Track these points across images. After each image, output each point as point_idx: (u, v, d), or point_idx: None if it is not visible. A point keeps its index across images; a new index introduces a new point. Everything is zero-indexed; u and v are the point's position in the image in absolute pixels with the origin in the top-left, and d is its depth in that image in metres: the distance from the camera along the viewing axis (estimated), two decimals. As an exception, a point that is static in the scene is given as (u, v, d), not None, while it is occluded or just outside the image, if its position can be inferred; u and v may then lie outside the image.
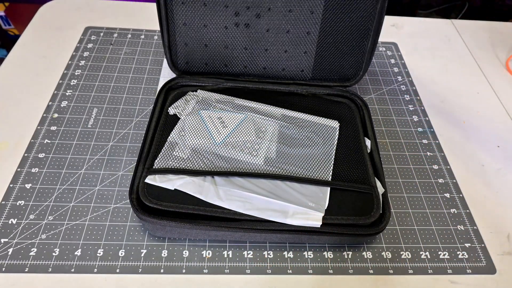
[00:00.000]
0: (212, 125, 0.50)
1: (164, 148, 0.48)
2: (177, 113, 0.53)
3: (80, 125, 0.57)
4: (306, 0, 0.52)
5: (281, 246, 0.46)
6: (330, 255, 0.46)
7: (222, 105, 0.54)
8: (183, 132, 0.50)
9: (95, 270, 0.43)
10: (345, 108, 0.57)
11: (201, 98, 0.54)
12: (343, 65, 0.58)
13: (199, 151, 0.48)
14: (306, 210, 0.43)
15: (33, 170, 0.51)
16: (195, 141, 0.49)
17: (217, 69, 0.59)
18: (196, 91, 0.56)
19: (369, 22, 0.54)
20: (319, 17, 0.54)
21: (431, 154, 0.58)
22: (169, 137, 0.50)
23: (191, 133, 0.50)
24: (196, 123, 0.51)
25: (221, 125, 0.50)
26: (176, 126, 0.51)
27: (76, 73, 0.64)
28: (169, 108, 0.53)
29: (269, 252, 0.46)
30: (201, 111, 0.52)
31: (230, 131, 0.50)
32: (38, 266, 0.42)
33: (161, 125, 0.51)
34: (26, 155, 0.52)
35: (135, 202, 0.43)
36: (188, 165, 0.46)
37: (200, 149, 0.48)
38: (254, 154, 0.48)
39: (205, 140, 0.49)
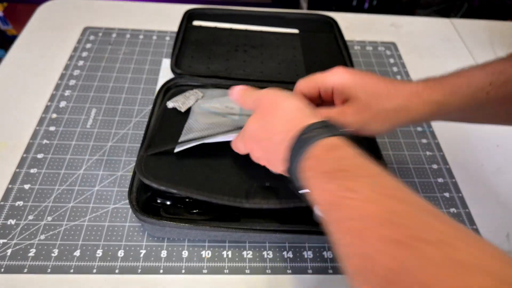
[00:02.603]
0: (220, 110, 0.50)
1: (182, 133, 0.48)
2: (177, 107, 0.52)
3: (79, 125, 0.57)
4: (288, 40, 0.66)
5: (281, 246, 0.46)
6: (330, 255, 0.46)
7: (222, 99, 0.53)
8: (196, 118, 0.50)
9: (94, 270, 0.43)
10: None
11: (201, 96, 0.54)
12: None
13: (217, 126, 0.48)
14: None
15: (31, 171, 0.51)
16: (210, 120, 0.49)
17: (217, 73, 0.60)
18: (192, 89, 0.56)
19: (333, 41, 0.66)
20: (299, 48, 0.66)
21: (431, 153, 0.58)
22: (186, 124, 0.49)
23: (204, 118, 0.49)
24: (205, 112, 0.51)
25: (229, 109, 0.50)
26: (190, 115, 0.51)
27: (74, 73, 0.64)
28: (167, 102, 0.53)
29: (268, 252, 0.46)
30: (203, 104, 0.52)
31: (238, 114, 0.50)
32: (37, 267, 0.42)
33: (158, 116, 0.51)
34: (24, 155, 0.52)
35: (134, 203, 0.43)
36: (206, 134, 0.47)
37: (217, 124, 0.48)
38: None
39: (220, 119, 0.49)
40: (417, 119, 0.38)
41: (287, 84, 0.58)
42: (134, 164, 0.48)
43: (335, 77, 0.39)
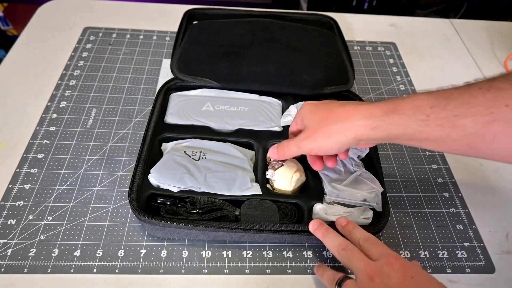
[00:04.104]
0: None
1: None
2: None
3: (79, 125, 0.57)
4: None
5: (280, 246, 0.46)
6: (329, 255, 0.46)
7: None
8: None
9: (95, 270, 0.43)
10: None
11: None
12: (335, 75, 0.61)
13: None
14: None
15: (32, 171, 0.51)
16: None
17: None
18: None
19: (334, 43, 0.66)
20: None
21: (430, 153, 0.58)
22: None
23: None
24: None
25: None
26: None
27: (75, 74, 0.64)
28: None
29: (268, 252, 0.46)
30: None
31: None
32: (37, 267, 0.42)
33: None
34: (25, 155, 0.52)
35: (134, 203, 0.43)
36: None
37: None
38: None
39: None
40: (370, 139, 0.39)
41: (287, 85, 0.59)
42: (134, 164, 0.48)
43: (299, 111, 0.45)
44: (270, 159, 0.50)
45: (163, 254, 0.45)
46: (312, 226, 0.42)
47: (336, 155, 0.46)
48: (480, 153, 0.35)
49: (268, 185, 0.49)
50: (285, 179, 0.47)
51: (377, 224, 0.45)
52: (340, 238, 0.40)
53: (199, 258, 0.45)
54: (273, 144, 0.52)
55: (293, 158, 0.49)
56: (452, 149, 0.36)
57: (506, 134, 0.32)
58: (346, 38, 0.71)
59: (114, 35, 0.72)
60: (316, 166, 0.46)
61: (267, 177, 0.49)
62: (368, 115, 0.38)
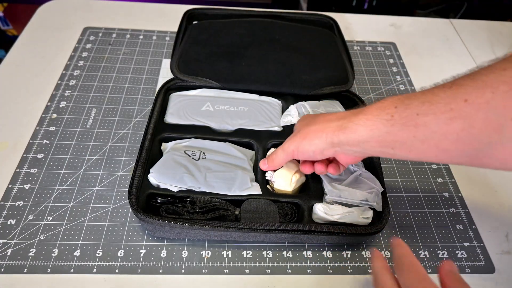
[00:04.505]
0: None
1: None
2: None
3: (79, 125, 0.57)
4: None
5: (280, 246, 0.46)
6: (329, 255, 0.46)
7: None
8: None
9: (94, 270, 0.43)
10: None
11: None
12: (334, 75, 0.61)
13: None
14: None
15: (32, 171, 0.51)
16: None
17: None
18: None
19: (334, 43, 0.67)
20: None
21: (430, 153, 0.58)
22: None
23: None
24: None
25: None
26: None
27: (74, 74, 0.64)
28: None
29: (268, 252, 0.46)
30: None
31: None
32: (37, 267, 0.42)
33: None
34: (25, 155, 0.52)
35: (134, 203, 0.43)
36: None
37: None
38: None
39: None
40: (341, 143, 0.39)
41: (287, 85, 0.59)
42: (133, 164, 0.48)
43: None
44: None
45: (163, 254, 0.45)
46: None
47: (326, 162, 0.45)
48: (452, 157, 0.33)
49: (268, 186, 0.49)
50: (285, 180, 0.47)
51: (377, 224, 0.45)
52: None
53: (199, 258, 0.45)
54: (274, 144, 0.52)
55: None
56: (425, 154, 0.34)
57: (469, 132, 0.30)
58: (346, 38, 0.71)
59: (114, 35, 0.72)
60: (305, 168, 0.46)
61: (267, 178, 0.49)
62: (340, 117, 0.39)
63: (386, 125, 0.35)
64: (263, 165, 0.48)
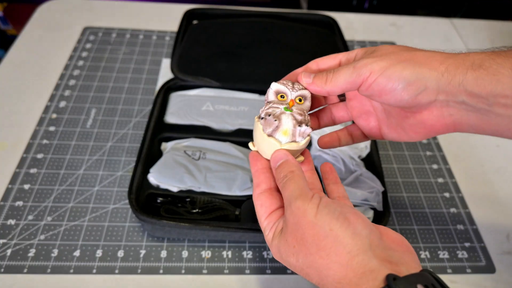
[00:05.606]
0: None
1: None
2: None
3: (78, 125, 0.57)
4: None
5: (281, 246, 0.46)
6: (330, 255, 0.46)
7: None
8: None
9: (94, 270, 0.43)
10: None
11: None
12: None
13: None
14: None
15: (31, 171, 0.51)
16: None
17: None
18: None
19: (334, 43, 0.66)
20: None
21: (431, 153, 0.58)
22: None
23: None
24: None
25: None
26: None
27: (74, 74, 0.64)
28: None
29: (268, 252, 0.46)
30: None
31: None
32: (37, 267, 0.42)
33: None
34: (24, 155, 0.52)
35: (134, 203, 0.43)
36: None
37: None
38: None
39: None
40: (460, 91, 0.28)
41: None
42: (133, 164, 0.48)
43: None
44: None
45: (163, 255, 0.44)
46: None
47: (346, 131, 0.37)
48: None
49: None
50: None
51: (377, 224, 0.45)
52: None
53: (199, 258, 0.45)
54: None
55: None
56: None
57: None
58: (346, 37, 0.71)
59: (114, 35, 0.72)
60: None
61: None
62: (468, 54, 0.28)
63: None
64: (307, 78, 0.34)
